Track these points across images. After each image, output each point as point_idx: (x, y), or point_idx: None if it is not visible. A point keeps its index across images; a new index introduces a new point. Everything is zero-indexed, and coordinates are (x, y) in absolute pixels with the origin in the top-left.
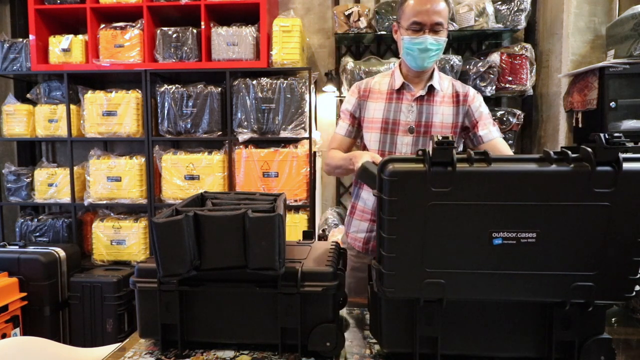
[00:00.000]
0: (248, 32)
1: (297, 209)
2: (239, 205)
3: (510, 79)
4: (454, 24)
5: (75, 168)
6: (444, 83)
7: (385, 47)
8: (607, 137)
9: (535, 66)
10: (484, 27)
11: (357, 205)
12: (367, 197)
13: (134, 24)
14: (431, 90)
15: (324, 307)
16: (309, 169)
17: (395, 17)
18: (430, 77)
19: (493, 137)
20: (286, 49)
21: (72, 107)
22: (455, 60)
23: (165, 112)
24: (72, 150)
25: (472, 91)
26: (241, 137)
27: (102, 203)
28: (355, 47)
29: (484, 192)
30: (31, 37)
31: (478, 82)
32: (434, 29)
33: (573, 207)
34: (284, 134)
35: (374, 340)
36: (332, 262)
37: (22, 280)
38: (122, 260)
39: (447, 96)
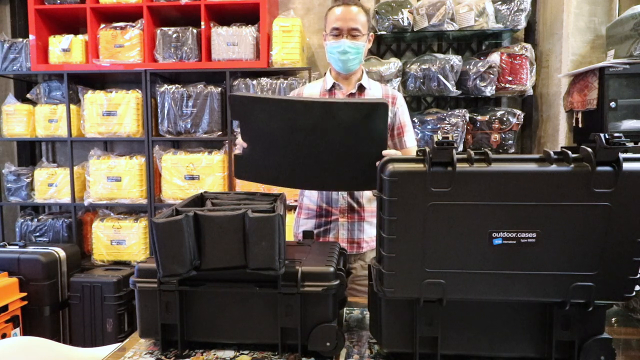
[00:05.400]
0: (248, 32)
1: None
2: (239, 205)
3: (510, 79)
4: (454, 24)
5: (75, 168)
6: (373, 85)
7: (385, 47)
8: (607, 137)
9: (535, 66)
10: (484, 27)
11: (302, 205)
12: (311, 194)
13: (134, 24)
14: (361, 89)
15: (324, 307)
16: None
17: (395, 17)
18: (360, 79)
19: (414, 145)
20: (286, 49)
21: (72, 107)
22: (455, 60)
23: (165, 112)
24: (72, 150)
25: (400, 96)
26: None
27: (102, 203)
28: None
29: (484, 192)
30: (31, 37)
31: (478, 82)
32: (351, 33)
33: (573, 207)
34: None
35: (374, 340)
36: (332, 262)
37: (22, 280)
38: (122, 260)
39: (378, 96)
